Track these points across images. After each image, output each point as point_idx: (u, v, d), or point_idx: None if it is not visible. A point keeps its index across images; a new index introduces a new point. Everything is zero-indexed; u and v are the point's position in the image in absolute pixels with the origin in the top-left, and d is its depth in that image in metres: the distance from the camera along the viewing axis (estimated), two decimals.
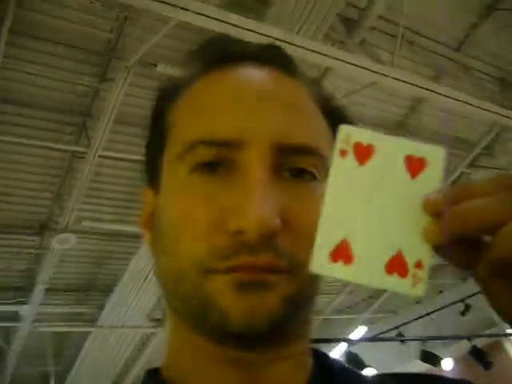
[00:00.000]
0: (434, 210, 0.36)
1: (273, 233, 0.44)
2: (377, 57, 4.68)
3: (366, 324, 8.93)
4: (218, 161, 0.48)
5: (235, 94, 0.51)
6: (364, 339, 7.71)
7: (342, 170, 0.38)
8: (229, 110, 0.50)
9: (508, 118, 5.52)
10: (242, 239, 0.44)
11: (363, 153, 0.38)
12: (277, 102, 0.51)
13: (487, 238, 0.36)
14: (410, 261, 0.36)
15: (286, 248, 0.46)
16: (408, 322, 7.74)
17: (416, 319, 7.70)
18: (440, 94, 4.95)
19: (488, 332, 7.88)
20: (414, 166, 0.38)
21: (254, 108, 0.50)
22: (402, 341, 7.14)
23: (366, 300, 8.74)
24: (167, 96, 0.57)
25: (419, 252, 0.36)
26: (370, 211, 0.38)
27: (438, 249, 0.36)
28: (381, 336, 7.87)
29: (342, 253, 0.37)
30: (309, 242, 0.45)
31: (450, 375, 0.65)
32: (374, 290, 8.05)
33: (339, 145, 0.39)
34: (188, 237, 0.47)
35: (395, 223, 0.37)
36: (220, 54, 0.55)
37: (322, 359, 0.56)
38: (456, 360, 7.71)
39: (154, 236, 0.53)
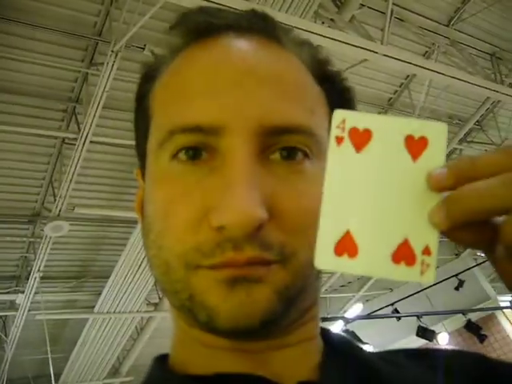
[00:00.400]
0: (439, 187, 0.34)
1: (258, 226, 0.41)
2: (367, 34, 4.64)
3: (361, 302, 9.01)
4: (200, 146, 0.45)
5: (214, 74, 0.47)
6: (360, 317, 7.79)
7: (339, 159, 0.36)
8: (207, 93, 0.46)
9: (500, 92, 5.51)
10: (225, 235, 0.42)
11: (360, 139, 0.36)
12: (261, 78, 0.47)
13: (499, 218, 0.34)
14: (417, 248, 0.35)
15: (275, 239, 0.43)
16: (403, 299, 7.82)
17: (411, 295, 7.78)
18: (431, 70, 4.93)
19: (482, 306, 7.99)
20: (415, 146, 0.36)
21: (234, 89, 0.46)
22: (398, 317, 7.22)
23: (361, 278, 8.79)
24: (148, 76, 0.54)
25: (426, 238, 0.35)
26: (372, 200, 0.36)
27: (445, 232, 0.34)
28: (377, 313, 7.95)
29: (346, 246, 0.35)
30: (300, 228, 0.44)
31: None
32: None
33: (334, 131, 0.37)
34: (171, 233, 0.45)
35: (399, 210, 0.35)
36: (198, 26, 0.51)
37: (332, 341, 0.54)
38: (451, 334, 7.81)
39: (143, 224, 0.51)
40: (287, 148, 0.46)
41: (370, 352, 0.56)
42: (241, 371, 0.47)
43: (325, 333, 0.55)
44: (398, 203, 0.35)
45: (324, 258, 0.35)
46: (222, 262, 0.42)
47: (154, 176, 0.49)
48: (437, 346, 6.98)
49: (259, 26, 0.51)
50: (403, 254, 0.35)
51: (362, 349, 0.55)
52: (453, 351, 0.59)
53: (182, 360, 0.51)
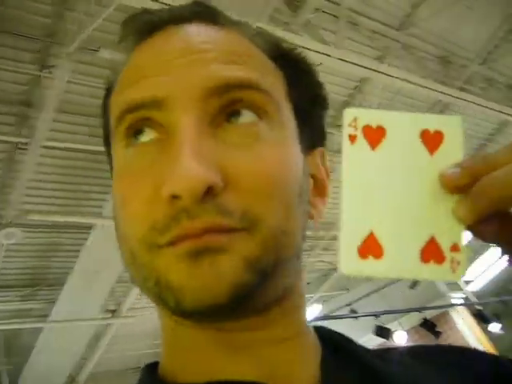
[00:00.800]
0: (453, 187, 0.33)
1: (209, 189, 0.39)
2: (321, 38, 4.69)
3: (320, 302, 9.09)
4: (145, 125, 0.45)
5: (154, 57, 0.47)
6: (319, 318, 7.86)
7: (354, 158, 0.35)
8: (148, 74, 0.46)
9: (450, 95, 5.67)
10: (178, 205, 0.40)
11: (374, 135, 0.36)
12: (202, 49, 0.46)
13: None
14: (445, 245, 0.34)
15: (235, 204, 0.41)
16: (360, 298, 7.94)
17: (368, 295, 7.91)
18: (384, 73, 5.03)
19: (436, 303, 8.19)
20: (432, 140, 0.35)
21: (174, 63, 0.45)
22: (356, 317, 7.32)
23: (319, 278, 8.88)
24: (107, 91, 0.54)
25: (453, 234, 0.34)
26: (393, 198, 0.35)
27: (470, 227, 0.34)
28: (336, 314, 8.04)
29: (370, 248, 0.34)
30: (262, 193, 0.42)
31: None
32: (327, 268, 8.19)
33: (347, 130, 0.36)
34: (130, 219, 0.44)
35: (422, 207, 0.34)
36: (141, 27, 0.51)
37: (330, 340, 0.51)
38: (408, 332, 7.97)
39: (115, 226, 0.50)
40: (236, 111, 0.45)
41: (371, 351, 0.54)
42: (234, 377, 0.45)
43: (320, 330, 0.53)
44: (420, 200, 0.34)
45: (349, 263, 0.34)
46: (179, 234, 0.40)
47: (114, 173, 0.48)
48: (393, 344, 7.11)
49: (201, 14, 0.51)
50: (431, 252, 0.34)
51: (363, 348, 0.53)
52: (455, 348, 0.58)
53: (172, 367, 0.49)
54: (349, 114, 0.36)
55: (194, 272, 0.40)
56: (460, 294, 8.80)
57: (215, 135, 0.43)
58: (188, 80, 0.44)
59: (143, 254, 0.43)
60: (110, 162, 0.53)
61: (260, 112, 0.45)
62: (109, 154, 0.53)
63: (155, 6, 3.43)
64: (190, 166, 0.39)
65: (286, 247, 0.44)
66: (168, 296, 0.41)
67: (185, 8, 0.52)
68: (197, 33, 0.49)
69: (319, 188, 0.53)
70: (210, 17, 0.51)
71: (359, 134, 0.36)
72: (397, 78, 5.11)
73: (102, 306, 6.42)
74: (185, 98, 0.43)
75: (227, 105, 0.44)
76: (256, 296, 0.42)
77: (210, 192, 0.40)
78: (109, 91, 0.53)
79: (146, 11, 0.53)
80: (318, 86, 0.56)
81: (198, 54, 0.46)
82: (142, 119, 0.45)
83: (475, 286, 9.96)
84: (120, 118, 0.46)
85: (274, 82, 0.49)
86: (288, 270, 0.46)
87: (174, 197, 0.40)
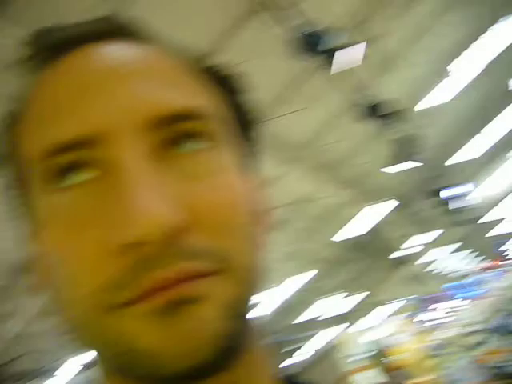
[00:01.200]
0: None
1: (176, 230, 0.33)
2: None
3: None
4: (79, 165, 0.37)
5: (78, 78, 0.40)
6: None
7: None
8: (73, 100, 0.38)
9: None
10: (138, 255, 0.33)
11: None
12: (127, 72, 0.40)
13: None
14: None
15: (205, 243, 0.36)
16: None
17: None
18: None
19: None
20: None
21: (104, 86, 0.39)
22: None
23: None
24: (13, 113, 0.44)
25: None
26: None
27: None
28: None
29: None
30: (227, 227, 0.38)
31: None
32: None
33: None
34: (73, 278, 0.36)
35: None
36: (53, 44, 0.43)
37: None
38: None
39: (51, 293, 0.40)
40: (184, 140, 0.39)
41: None
42: None
43: (289, 380, 0.48)
44: None
45: None
46: (145, 289, 0.34)
47: (37, 223, 0.40)
48: None
49: (121, 29, 0.45)
50: None
51: None
52: None
53: None
54: None
55: (169, 331, 0.34)
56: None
57: (164, 167, 0.37)
58: (125, 108, 0.38)
59: (97, 320, 0.35)
60: (24, 207, 0.43)
61: (207, 139, 0.40)
62: (21, 198, 0.44)
63: None
64: (152, 204, 0.33)
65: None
66: (139, 364, 0.35)
67: (101, 23, 0.45)
68: (122, 51, 0.43)
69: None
70: (131, 32, 0.45)
71: None
72: None
73: None
74: (124, 130, 0.37)
75: (173, 136, 0.39)
76: (238, 344, 0.38)
77: (176, 233, 0.34)
78: (14, 118, 0.44)
79: (54, 27, 0.45)
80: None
81: (130, 75, 0.40)
82: (71, 162, 0.37)
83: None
84: (41, 161, 0.38)
85: (214, 104, 0.44)
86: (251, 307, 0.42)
87: (132, 245, 0.33)
